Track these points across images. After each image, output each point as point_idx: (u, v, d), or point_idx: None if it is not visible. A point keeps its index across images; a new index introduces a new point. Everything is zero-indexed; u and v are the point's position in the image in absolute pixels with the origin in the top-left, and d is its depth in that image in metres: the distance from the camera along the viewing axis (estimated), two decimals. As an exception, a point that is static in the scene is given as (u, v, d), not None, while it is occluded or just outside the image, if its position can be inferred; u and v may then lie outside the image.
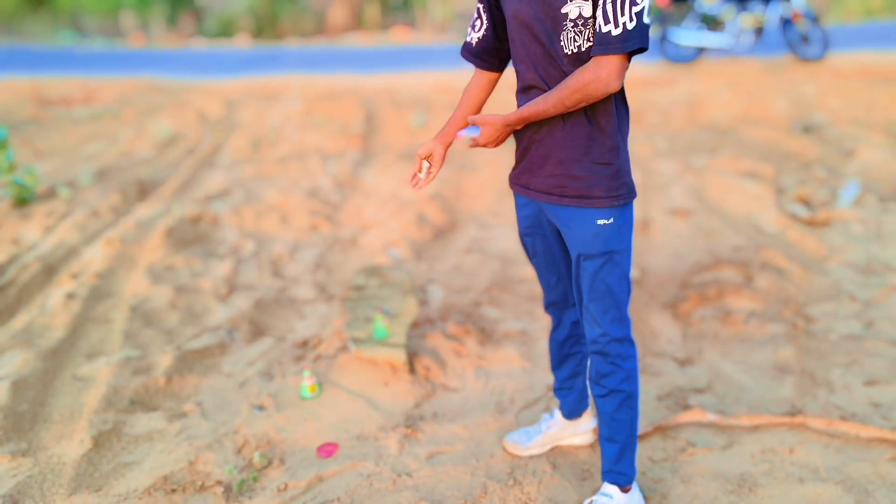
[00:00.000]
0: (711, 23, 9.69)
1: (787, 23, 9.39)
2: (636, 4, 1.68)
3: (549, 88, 1.87)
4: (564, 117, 1.87)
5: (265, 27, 22.55)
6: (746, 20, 9.50)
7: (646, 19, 1.70)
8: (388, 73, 11.28)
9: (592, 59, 1.75)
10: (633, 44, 1.70)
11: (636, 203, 4.88)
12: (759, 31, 9.60)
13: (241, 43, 18.62)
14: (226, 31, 21.98)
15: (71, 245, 4.31)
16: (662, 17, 9.74)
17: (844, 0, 15.36)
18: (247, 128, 7.76)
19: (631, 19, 1.69)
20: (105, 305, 3.61)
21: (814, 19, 9.30)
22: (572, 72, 1.81)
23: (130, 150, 6.91)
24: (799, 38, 9.43)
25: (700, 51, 9.92)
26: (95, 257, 4.11)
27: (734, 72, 9.44)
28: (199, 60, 14.18)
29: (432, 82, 10.22)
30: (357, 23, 22.52)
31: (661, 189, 5.26)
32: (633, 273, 3.88)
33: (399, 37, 18.33)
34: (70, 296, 3.60)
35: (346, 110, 8.34)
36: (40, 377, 2.90)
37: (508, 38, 1.97)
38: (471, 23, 2.09)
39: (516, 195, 2.14)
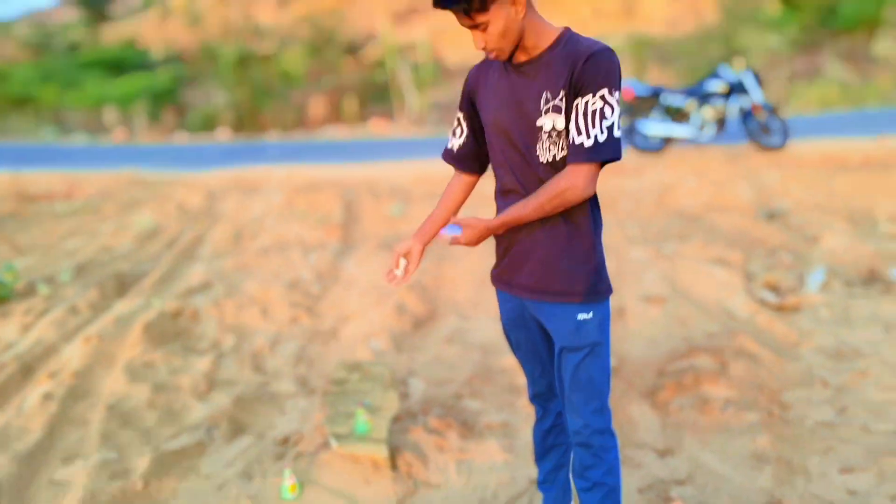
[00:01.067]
0: (676, 114, 10.13)
1: (747, 114, 9.84)
2: (606, 119, 1.83)
3: (527, 192, 1.97)
4: (543, 219, 1.97)
5: (247, 121, 23.10)
6: (708, 112, 9.95)
7: (616, 133, 1.84)
8: (367, 164, 11.56)
9: (568, 167, 1.87)
10: (605, 154, 1.84)
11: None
12: (722, 122, 10.05)
13: (223, 136, 19.01)
14: (208, 125, 22.47)
15: (49, 343, 4.29)
16: (631, 109, 10.17)
17: (802, 92, 16.16)
18: (228, 220, 7.87)
19: (602, 132, 1.83)
20: (83, 405, 3.57)
21: (772, 111, 9.77)
22: (549, 178, 1.93)
23: (111, 244, 6.96)
24: (759, 129, 9.87)
25: (666, 140, 10.32)
26: (74, 355, 4.09)
27: (700, 160, 9.80)
28: (181, 154, 14.45)
29: (410, 173, 10.48)
30: (337, 116, 23.15)
31: (634, 276, 5.39)
32: (611, 362, 3.93)
33: (377, 129, 18.85)
34: (47, 396, 3.56)
35: (326, 201, 8.51)
36: (15, 482, 2.85)
37: (487, 143, 2.09)
38: (451, 129, 2.21)
39: (499, 291, 2.21)
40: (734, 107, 9.83)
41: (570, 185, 1.85)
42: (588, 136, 1.83)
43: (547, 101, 1.88)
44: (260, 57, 25.79)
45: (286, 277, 5.68)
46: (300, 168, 11.45)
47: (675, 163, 9.76)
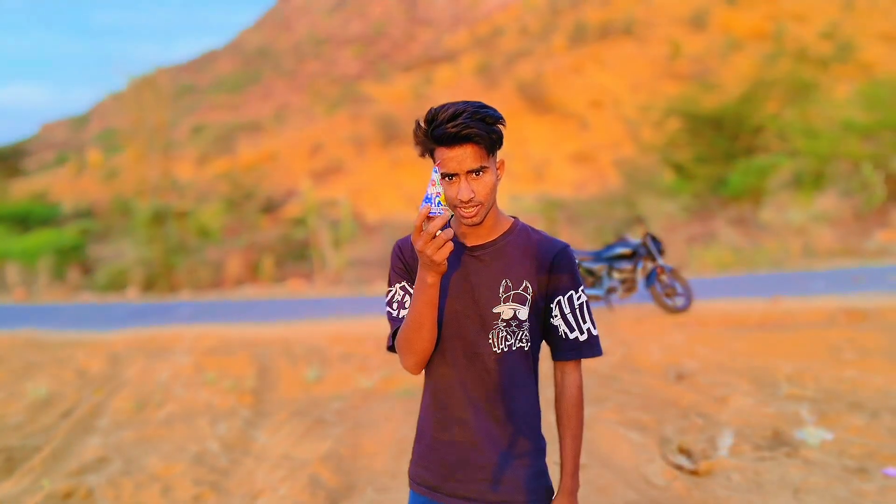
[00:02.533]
0: (588, 276, 10.58)
1: (651, 277, 10.38)
2: (590, 312, 1.87)
3: (465, 389, 1.84)
4: (481, 417, 1.84)
5: (159, 279, 22.63)
6: (617, 275, 10.45)
7: (596, 326, 1.88)
8: (283, 324, 11.40)
9: (561, 365, 1.87)
10: (596, 352, 1.87)
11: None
12: (630, 285, 10.55)
13: (132, 295, 18.49)
14: (116, 283, 21.86)
15: (-85, 535, 3.84)
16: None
17: (699, 255, 17.33)
18: (131, 386, 7.48)
19: (593, 326, 1.87)
20: None
21: (673, 274, 10.36)
22: (497, 371, 1.81)
23: (0, 414, 6.45)
24: (664, 292, 10.40)
25: (579, 301, 10.70)
26: (-57, 549, 3.66)
27: (611, 321, 10.17)
28: (86, 314, 13.89)
29: (328, 333, 10.38)
30: (254, 274, 23.04)
31: (555, 442, 5.37)
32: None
33: (295, 287, 18.80)
34: None
35: (238, 365, 8.25)
36: None
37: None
38: (391, 304, 1.94)
39: (418, 496, 1.95)
40: (639, 270, 10.38)
41: (577, 385, 1.89)
42: (581, 332, 1.85)
43: (508, 289, 1.82)
44: (176, 213, 25.80)
45: (191, 450, 5.36)
46: (213, 328, 11.17)
47: (587, 323, 10.09)
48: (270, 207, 33.08)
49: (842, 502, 3.98)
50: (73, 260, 24.31)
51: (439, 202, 1.69)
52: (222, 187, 34.91)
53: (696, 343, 8.28)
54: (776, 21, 43.38)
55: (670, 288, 10.38)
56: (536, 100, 42.70)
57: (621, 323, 9.95)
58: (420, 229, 1.64)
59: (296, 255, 24.78)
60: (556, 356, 1.89)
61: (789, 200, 20.39)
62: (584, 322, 1.85)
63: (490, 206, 1.79)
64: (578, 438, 1.89)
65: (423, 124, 1.74)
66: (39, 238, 25.06)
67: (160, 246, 23.51)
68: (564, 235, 22.87)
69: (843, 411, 5.44)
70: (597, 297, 10.53)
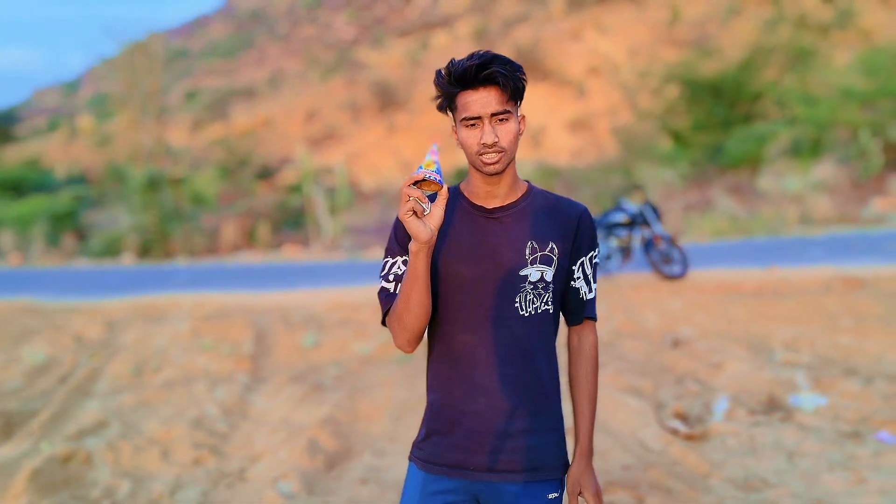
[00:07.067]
0: (584, 244, 10.59)
1: (649, 244, 10.39)
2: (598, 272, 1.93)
3: (488, 353, 1.77)
4: (509, 384, 1.78)
5: (154, 245, 22.55)
6: (614, 242, 10.46)
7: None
8: (280, 291, 11.40)
9: (578, 328, 1.91)
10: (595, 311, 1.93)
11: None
12: (628, 252, 10.56)
13: (127, 261, 18.45)
14: (111, 249, 21.77)
15: (-85, 497, 3.86)
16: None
17: (696, 223, 17.32)
18: (128, 352, 7.49)
19: (596, 283, 1.92)
20: (-51, 572, 3.18)
21: (671, 241, 10.35)
22: (523, 334, 1.78)
23: (-3, 380, 6.47)
24: (661, 258, 10.40)
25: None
26: (-56, 511, 3.68)
27: (609, 288, 10.18)
28: (81, 280, 13.86)
29: (324, 300, 10.38)
30: (249, 240, 22.97)
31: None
32: None
33: (291, 254, 18.77)
34: None
35: (236, 331, 8.26)
36: None
37: (440, 298, 1.82)
38: (388, 277, 1.84)
39: (434, 476, 1.83)
40: (637, 237, 10.38)
41: (596, 346, 1.91)
42: (591, 292, 1.91)
43: (534, 251, 1.77)
44: (170, 179, 25.62)
45: (190, 414, 5.38)
46: (209, 295, 11.16)
47: (584, 290, 10.09)
48: (266, 174, 32.93)
49: (835, 466, 4.02)
50: (67, 226, 24.21)
51: (438, 170, 1.63)
52: (217, 153, 34.69)
53: (693, 310, 8.30)
54: (777, -14, 42.79)
55: (667, 255, 10.39)
56: (534, 66, 42.26)
57: (619, 290, 9.96)
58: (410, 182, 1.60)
59: (291, 222, 24.71)
60: (575, 318, 1.91)
61: (787, 168, 20.31)
62: (595, 282, 1.91)
63: (513, 155, 1.75)
64: (595, 401, 1.90)
65: (444, 71, 1.72)
66: (33, 204, 24.94)
67: (155, 212, 23.37)
68: (561, 203, 22.78)
69: (838, 377, 5.48)
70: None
